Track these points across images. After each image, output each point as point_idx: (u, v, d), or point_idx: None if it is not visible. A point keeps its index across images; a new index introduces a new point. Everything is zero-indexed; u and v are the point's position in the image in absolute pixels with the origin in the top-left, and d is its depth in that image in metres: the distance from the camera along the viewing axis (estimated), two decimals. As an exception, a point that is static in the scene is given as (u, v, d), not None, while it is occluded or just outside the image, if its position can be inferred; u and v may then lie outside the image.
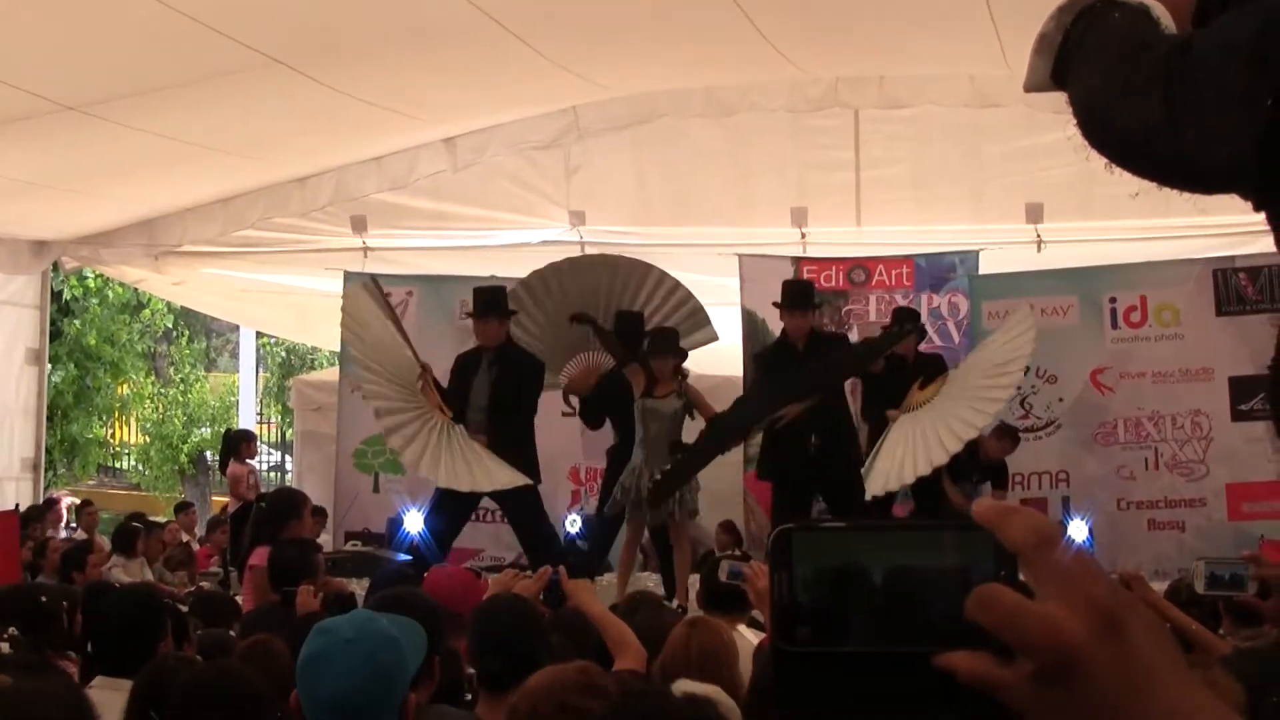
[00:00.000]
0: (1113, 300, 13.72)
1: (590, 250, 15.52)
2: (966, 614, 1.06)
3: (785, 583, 1.13)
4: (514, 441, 11.39)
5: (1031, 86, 1.61)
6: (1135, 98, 1.46)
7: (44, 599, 6.63)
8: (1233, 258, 13.42)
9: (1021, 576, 1.08)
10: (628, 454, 11.53)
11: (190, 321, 28.09)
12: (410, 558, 11.29)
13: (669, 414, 11.36)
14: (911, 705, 1.09)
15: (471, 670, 5.12)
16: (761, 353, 12.73)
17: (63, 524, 16.60)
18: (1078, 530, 11.99)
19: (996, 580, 1.08)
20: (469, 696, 5.13)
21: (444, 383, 11.64)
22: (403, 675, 3.62)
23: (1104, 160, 1.53)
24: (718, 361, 15.28)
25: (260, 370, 27.85)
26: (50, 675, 4.44)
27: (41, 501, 16.42)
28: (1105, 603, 1.05)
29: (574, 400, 12.34)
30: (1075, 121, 1.53)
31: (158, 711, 4.38)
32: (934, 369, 12.01)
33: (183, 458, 27.40)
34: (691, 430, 11.54)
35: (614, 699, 3.47)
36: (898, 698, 1.09)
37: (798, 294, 11.85)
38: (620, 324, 12.54)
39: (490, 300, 11.77)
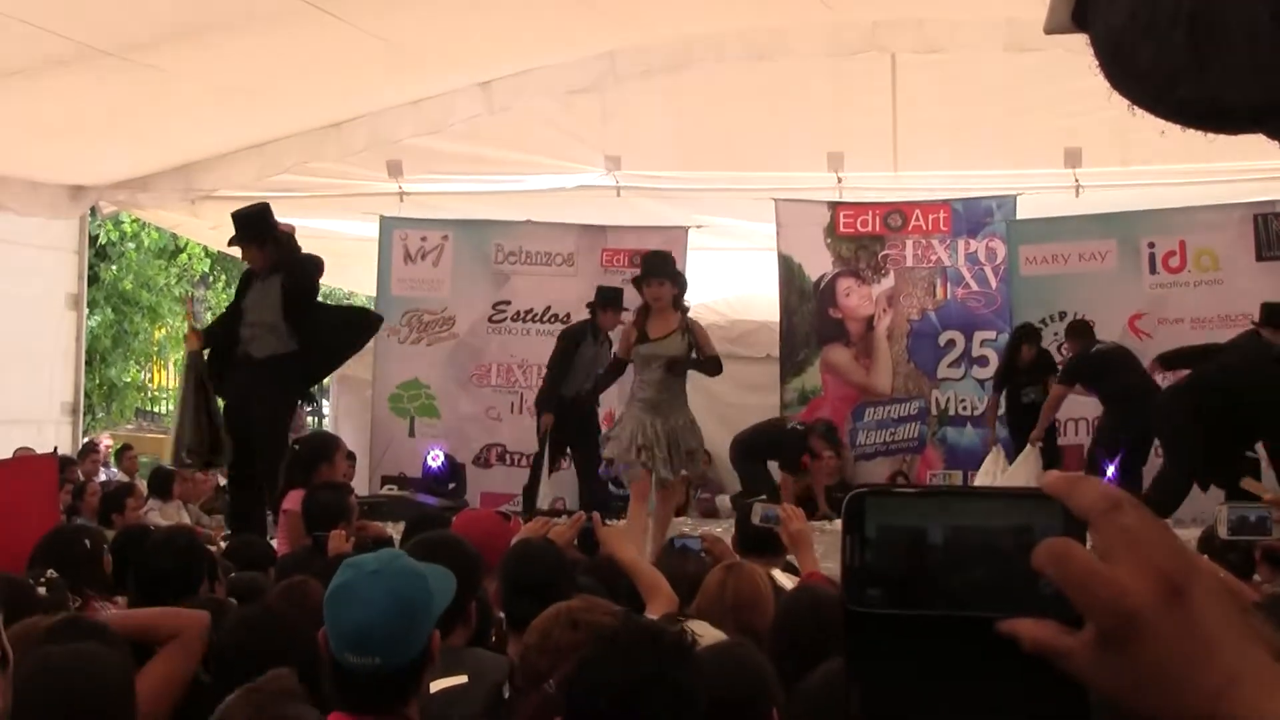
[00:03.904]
0: (1151, 245, 13.65)
1: (626, 194, 15.49)
2: (1033, 564, 1.07)
3: (856, 545, 1.15)
4: (323, 345, 10.58)
5: (1052, 28, 1.59)
6: (1158, 37, 1.44)
7: (87, 543, 6.68)
8: (1273, 202, 13.33)
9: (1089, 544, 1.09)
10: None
11: (227, 266, 28.09)
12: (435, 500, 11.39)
13: (672, 355, 9.97)
14: (978, 669, 1.11)
15: (501, 614, 5.15)
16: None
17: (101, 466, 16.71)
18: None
19: None
20: (494, 639, 5.15)
21: None
22: (426, 611, 3.63)
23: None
24: (753, 307, 15.31)
25: (297, 315, 27.90)
26: (82, 623, 4.46)
27: (81, 445, 16.54)
28: (1169, 569, 1.06)
29: None
30: (1098, 63, 1.51)
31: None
32: None
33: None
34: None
35: (608, 632, 3.48)
36: (964, 661, 1.11)
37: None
38: (601, 296, 12.58)
39: (244, 226, 10.66)
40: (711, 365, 10.28)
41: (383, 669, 3.52)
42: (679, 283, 10.13)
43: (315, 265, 10.67)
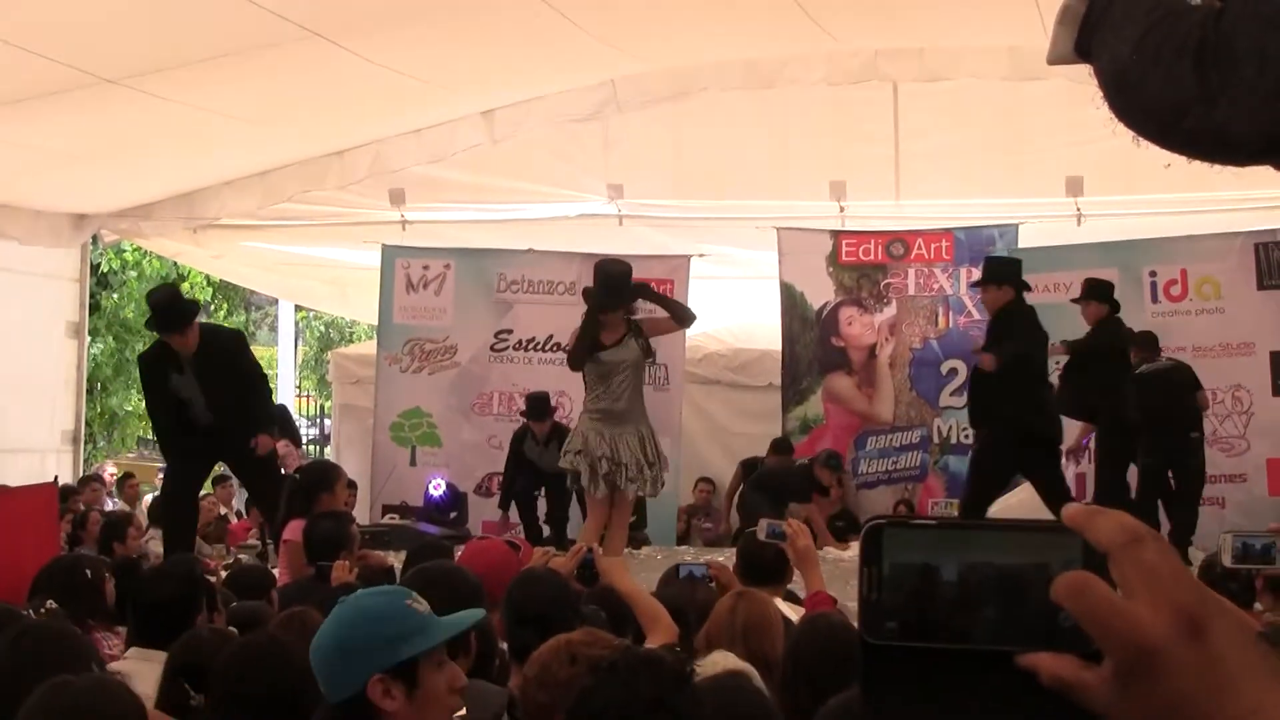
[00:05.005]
0: (1153, 274, 13.64)
1: (628, 223, 15.51)
2: (1052, 597, 1.06)
3: (874, 577, 1.14)
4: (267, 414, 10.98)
5: (1055, 59, 1.59)
6: (1165, 68, 1.43)
7: (88, 572, 6.67)
8: (1275, 231, 13.34)
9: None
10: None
11: (229, 295, 28.11)
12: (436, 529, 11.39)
13: (633, 361, 10.21)
14: (996, 703, 1.10)
15: (504, 645, 5.13)
16: None
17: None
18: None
19: None
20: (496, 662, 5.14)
21: None
22: (362, 656, 3.50)
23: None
24: (755, 336, 15.32)
25: (299, 343, 27.90)
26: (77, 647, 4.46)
27: (82, 474, 16.50)
28: (1189, 604, 1.05)
29: None
30: (1102, 94, 1.50)
31: (191, 683, 4.40)
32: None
33: (222, 430, 27.41)
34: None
35: (607, 661, 3.46)
36: (983, 695, 1.10)
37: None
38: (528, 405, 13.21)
39: (175, 312, 10.43)
40: (679, 315, 10.49)
41: (327, 705, 3.53)
42: (630, 306, 10.35)
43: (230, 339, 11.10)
